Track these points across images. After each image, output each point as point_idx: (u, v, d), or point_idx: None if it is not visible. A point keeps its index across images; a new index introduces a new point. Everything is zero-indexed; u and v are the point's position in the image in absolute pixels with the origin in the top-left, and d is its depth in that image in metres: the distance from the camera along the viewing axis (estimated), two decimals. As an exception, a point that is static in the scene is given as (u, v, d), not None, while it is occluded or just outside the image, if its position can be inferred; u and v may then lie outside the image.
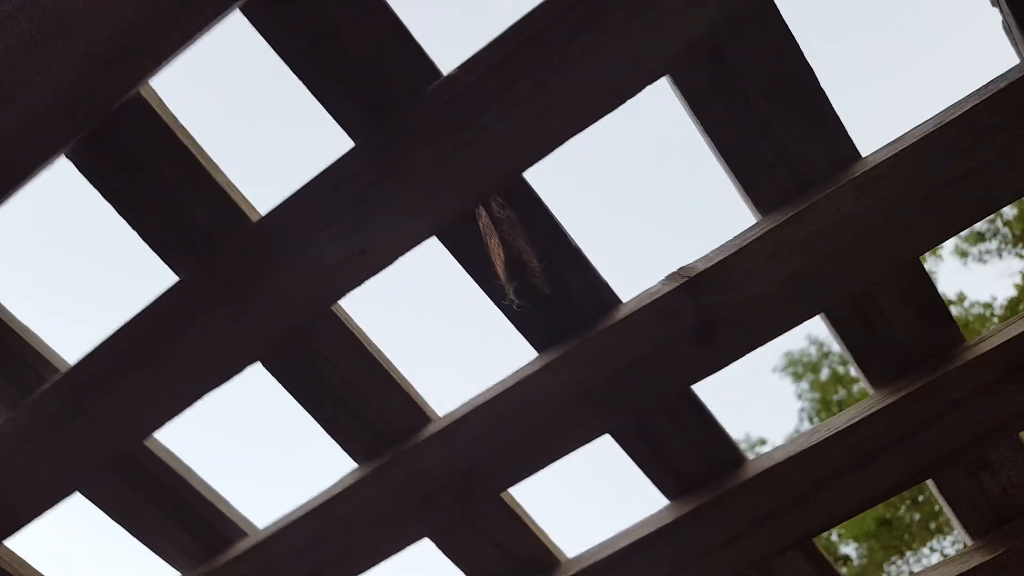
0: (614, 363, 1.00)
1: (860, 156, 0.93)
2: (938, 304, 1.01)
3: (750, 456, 1.12)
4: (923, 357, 1.03)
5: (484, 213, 0.95)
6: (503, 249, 0.95)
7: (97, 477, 1.14)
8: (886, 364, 1.05)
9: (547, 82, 0.86)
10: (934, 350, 1.03)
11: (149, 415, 1.06)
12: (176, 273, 1.00)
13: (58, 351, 1.11)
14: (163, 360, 1.02)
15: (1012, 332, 0.99)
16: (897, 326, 1.02)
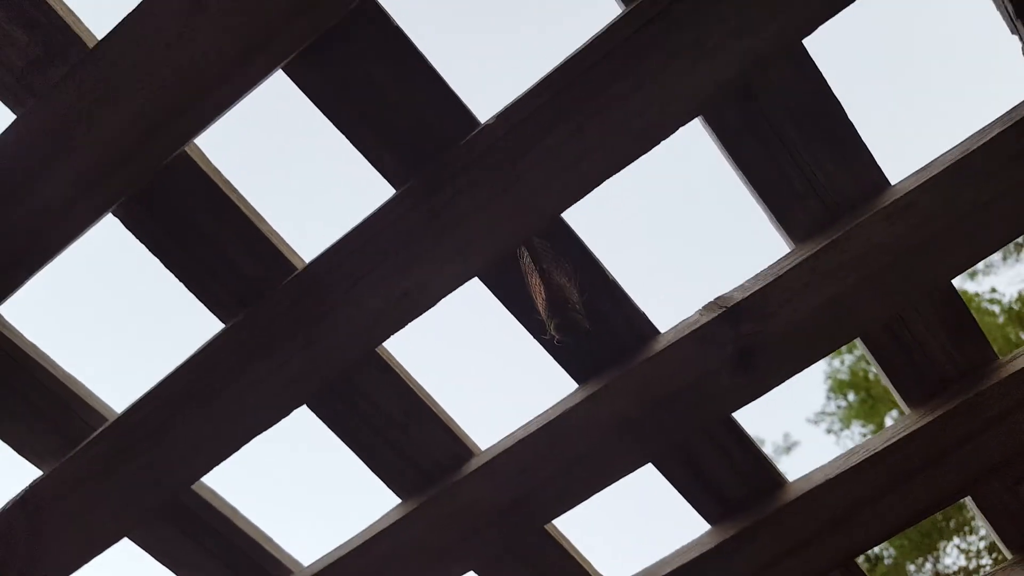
0: (654, 393, 1.02)
1: (889, 184, 0.95)
2: (971, 324, 1.02)
3: (789, 478, 1.13)
4: (958, 376, 1.05)
5: (526, 252, 0.97)
6: (544, 287, 0.97)
7: (145, 522, 1.15)
8: (921, 384, 1.06)
9: (582, 128, 0.88)
10: (968, 368, 1.05)
11: (196, 460, 1.08)
12: (223, 321, 1.02)
13: (106, 401, 1.14)
14: (210, 406, 1.04)
15: (1045, 349, 1.01)
16: (931, 347, 1.03)
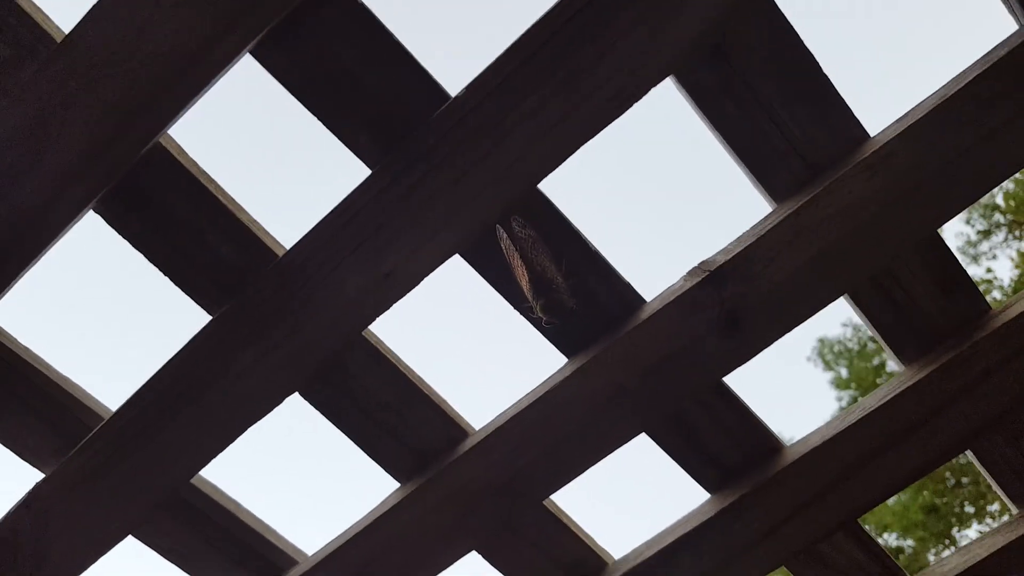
0: (644, 362, 1.01)
1: (869, 136, 0.94)
2: (961, 275, 1.01)
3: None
4: (951, 329, 1.04)
5: (504, 235, 0.97)
6: (526, 269, 0.97)
7: (148, 519, 1.16)
8: (914, 339, 1.05)
9: (553, 95, 0.87)
10: (961, 321, 1.03)
11: (194, 453, 1.08)
12: (209, 313, 1.03)
13: (100, 399, 1.14)
14: (203, 398, 1.04)
15: (1038, 296, 1.00)
16: (921, 301, 1.02)
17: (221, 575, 1.24)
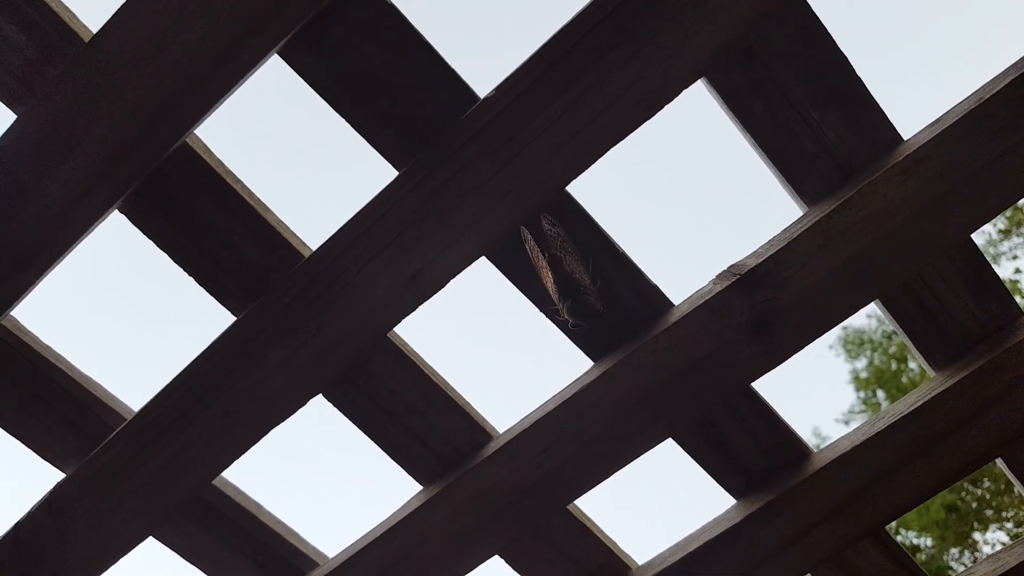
0: (671, 366, 1.00)
1: (902, 140, 0.93)
2: (993, 280, 1.00)
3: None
4: (982, 335, 1.03)
5: (530, 236, 0.96)
6: (552, 270, 0.96)
7: (169, 520, 1.16)
8: (945, 345, 1.04)
9: (582, 96, 0.87)
10: (992, 327, 1.02)
11: (216, 455, 1.08)
12: (234, 313, 1.02)
13: (123, 399, 1.14)
14: (226, 400, 1.04)
15: (1072, 302, 0.98)
16: (953, 306, 1.01)
17: (242, 577, 1.23)
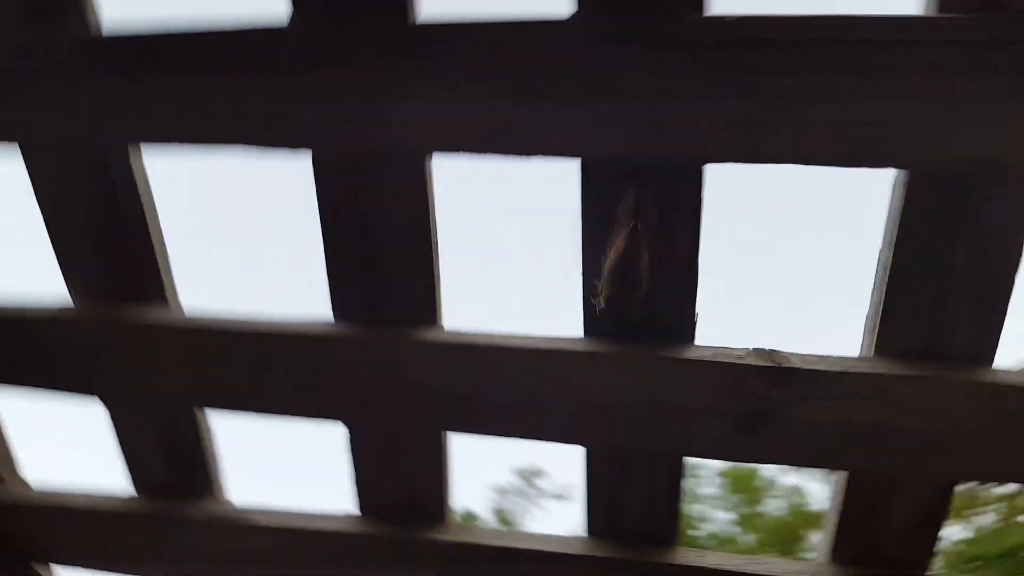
0: (651, 393, 0.91)
1: (991, 365, 0.89)
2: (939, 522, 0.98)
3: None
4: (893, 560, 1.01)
5: (629, 203, 0.84)
6: (617, 253, 0.85)
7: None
8: (855, 547, 1.01)
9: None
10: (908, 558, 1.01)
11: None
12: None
13: None
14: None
15: None
16: (891, 523, 0.99)
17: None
